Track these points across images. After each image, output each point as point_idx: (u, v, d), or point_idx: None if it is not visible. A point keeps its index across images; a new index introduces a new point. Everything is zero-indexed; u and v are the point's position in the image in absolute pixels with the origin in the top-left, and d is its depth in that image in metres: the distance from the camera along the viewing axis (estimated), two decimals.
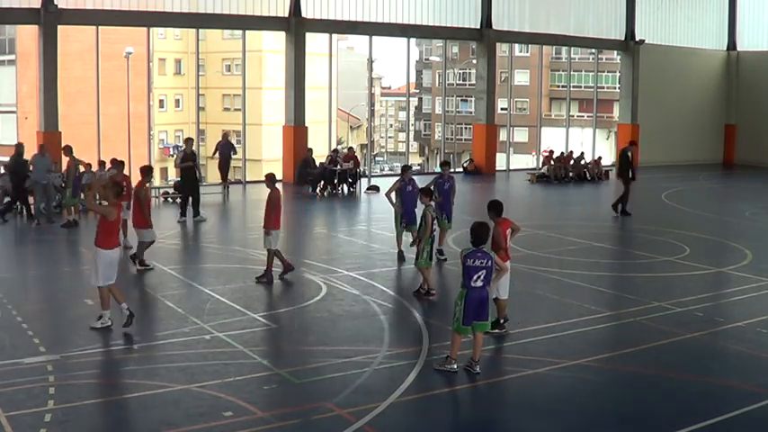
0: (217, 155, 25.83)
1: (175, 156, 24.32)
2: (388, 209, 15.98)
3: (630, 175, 21.53)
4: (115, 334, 10.52)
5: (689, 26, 37.64)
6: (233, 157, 25.98)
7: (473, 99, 39.00)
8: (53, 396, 8.36)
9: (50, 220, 19.28)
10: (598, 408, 8.60)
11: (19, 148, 20.92)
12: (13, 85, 43.60)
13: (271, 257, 13.62)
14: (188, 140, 21.11)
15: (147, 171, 15.14)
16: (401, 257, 15.24)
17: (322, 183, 25.81)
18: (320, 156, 27.90)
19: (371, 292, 12.90)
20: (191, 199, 20.11)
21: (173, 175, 49.95)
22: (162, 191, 24.31)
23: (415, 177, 16.68)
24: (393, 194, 15.41)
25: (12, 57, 44.50)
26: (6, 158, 21.23)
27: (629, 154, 22.08)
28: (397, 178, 16.13)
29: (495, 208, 10.75)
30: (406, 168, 16.52)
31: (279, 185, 15.68)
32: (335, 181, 25.87)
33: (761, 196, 27.87)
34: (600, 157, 33.25)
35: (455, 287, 10.08)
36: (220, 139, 27.17)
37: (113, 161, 18.03)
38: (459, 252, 9.95)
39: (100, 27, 25.38)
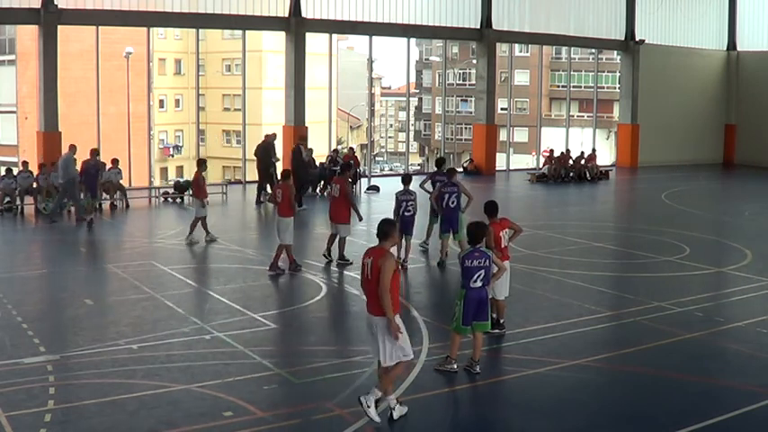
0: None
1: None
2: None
3: None
4: (115, 334, 10.52)
5: (689, 26, 37.61)
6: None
7: (473, 99, 38.97)
8: (53, 396, 8.36)
9: (51, 220, 19.28)
10: (598, 408, 8.59)
11: (268, 138, 22.99)
12: (13, 85, 43.53)
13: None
14: (303, 138, 24.22)
15: (347, 167, 14.87)
16: (442, 265, 14.87)
17: (322, 183, 25.80)
18: (320, 156, 27.89)
19: None
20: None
21: (173, 175, 50.02)
22: (162, 191, 24.33)
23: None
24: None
25: (12, 57, 44.45)
26: (6, 159, 21.34)
27: None
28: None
29: (489, 209, 10.83)
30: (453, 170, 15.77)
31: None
32: None
33: (761, 196, 27.85)
34: (594, 150, 32.34)
35: (455, 287, 10.07)
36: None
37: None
38: (458, 252, 9.93)
39: (100, 27, 25.37)
